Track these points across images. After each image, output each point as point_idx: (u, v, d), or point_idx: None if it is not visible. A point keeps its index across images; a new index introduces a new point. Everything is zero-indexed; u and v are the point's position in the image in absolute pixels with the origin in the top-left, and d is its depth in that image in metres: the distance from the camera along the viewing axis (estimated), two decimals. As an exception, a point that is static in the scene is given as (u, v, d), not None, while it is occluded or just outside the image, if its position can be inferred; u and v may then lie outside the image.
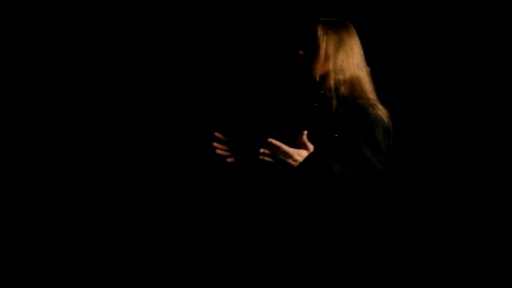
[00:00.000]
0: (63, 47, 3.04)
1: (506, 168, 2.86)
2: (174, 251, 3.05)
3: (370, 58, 2.47)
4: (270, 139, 2.08)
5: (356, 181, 2.17)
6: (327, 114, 2.27)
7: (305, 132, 2.11)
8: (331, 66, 2.34)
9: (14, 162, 3.02)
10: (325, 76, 2.34)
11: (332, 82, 2.32)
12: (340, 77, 2.33)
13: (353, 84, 2.33)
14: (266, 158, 2.11)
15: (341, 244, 2.19)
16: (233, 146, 2.35)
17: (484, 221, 2.87)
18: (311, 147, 2.13)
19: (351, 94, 2.29)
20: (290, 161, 2.11)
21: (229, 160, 2.32)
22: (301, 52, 2.36)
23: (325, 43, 2.34)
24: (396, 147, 2.90)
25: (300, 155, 2.11)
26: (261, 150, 2.10)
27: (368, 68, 2.38)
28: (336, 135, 2.23)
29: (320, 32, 2.36)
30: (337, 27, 2.39)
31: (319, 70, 2.34)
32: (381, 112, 2.27)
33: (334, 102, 2.28)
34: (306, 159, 2.11)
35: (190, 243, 3.04)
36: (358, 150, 2.20)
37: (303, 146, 2.12)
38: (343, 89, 2.31)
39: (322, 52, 2.34)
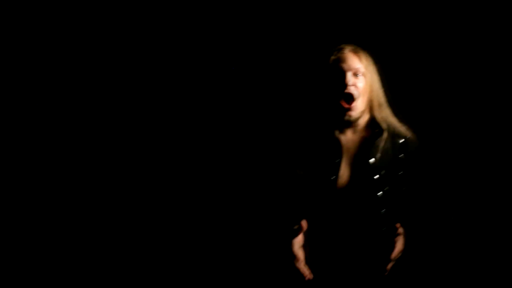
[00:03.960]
0: (63, 47, 3.04)
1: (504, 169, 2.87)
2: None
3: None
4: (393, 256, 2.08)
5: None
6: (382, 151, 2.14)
7: None
8: (380, 98, 2.18)
9: (14, 162, 3.01)
10: (369, 111, 2.17)
11: (382, 115, 2.17)
12: (385, 109, 2.19)
13: (387, 111, 2.20)
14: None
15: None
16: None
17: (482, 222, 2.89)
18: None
19: (393, 123, 2.19)
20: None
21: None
22: (349, 90, 2.11)
23: (370, 74, 2.16)
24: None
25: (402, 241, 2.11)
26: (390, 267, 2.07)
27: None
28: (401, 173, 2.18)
29: (365, 63, 2.15)
30: (367, 53, 2.21)
31: (361, 105, 2.15)
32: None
33: (384, 138, 2.14)
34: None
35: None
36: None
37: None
38: (388, 120, 2.19)
39: (367, 85, 2.15)
